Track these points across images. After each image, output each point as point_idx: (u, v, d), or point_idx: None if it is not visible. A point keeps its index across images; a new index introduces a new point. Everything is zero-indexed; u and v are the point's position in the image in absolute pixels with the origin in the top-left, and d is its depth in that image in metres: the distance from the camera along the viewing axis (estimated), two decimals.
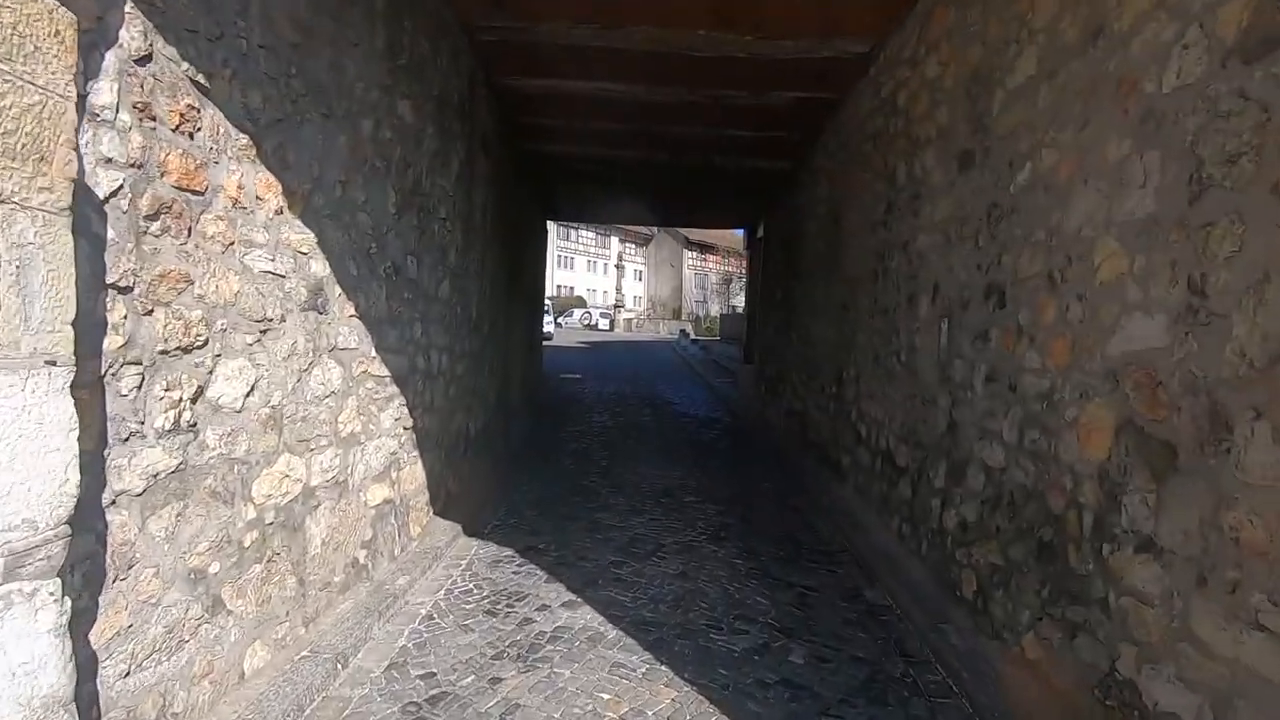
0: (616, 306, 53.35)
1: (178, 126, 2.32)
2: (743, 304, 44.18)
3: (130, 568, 2.12)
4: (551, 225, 52.24)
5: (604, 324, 46.31)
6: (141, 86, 2.17)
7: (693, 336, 29.21)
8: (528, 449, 7.79)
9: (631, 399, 12.64)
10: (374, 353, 3.82)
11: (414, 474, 4.46)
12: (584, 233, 58.99)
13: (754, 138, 7.81)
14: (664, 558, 4.36)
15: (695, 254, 63.24)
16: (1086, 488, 2.61)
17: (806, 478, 6.73)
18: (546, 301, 34.23)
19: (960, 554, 3.62)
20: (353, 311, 3.56)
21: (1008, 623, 3.08)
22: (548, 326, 30.16)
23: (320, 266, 3.23)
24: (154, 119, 2.21)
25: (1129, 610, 2.30)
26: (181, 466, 2.36)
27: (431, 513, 4.78)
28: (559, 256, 55.25)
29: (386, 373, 3.99)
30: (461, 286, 5.77)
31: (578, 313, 47.84)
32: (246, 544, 2.71)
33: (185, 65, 2.35)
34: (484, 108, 6.36)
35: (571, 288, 55.44)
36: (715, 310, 62.69)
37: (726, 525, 5.14)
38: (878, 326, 5.35)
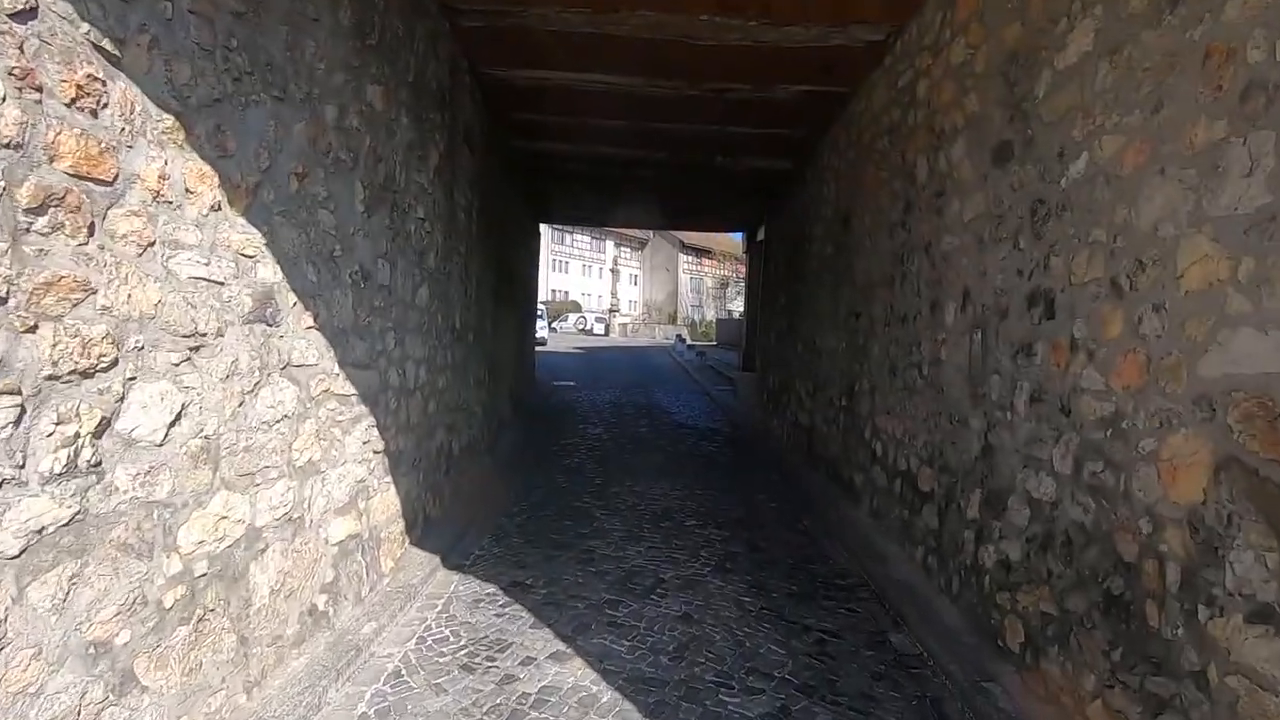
0: (612, 311, 52.91)
1: (74, 101, 1.89)
2: (740, 309, 43.85)
3: None
4: (545, 228, 51.77)
5: (599, 329, 45.91)
6: (21, 49, 1.74)
7: (689, 342, 28.80)
8: (517, 464, 7.35)
9: (627, 408, 12.22)
10: (337, 369, 3.38)
11: (386, 502, 4.02)
12: (579, 236, 58.62)
13: (757, 135, 7.42)
14: (664, 595, 3.93)
15: (691, 258, 62.89)
16: (1171, 534, 2.19)
17: (815, 495, 6.31)
18: (540, 306, 33.81)
19: (1002, 598, 3.20)
20: (311, 323, 3.12)
21: (1067, 686, 2.65)
22: (541, 332, 29.77)
23: (270, 271, 2.80)
24: (39, 89, 1.79)
25: (1240, 694, 1.88)
26: (79, 517, 1.92)
27: (407, 543, 4.34)
28: (553, 260, 54.83)
29: (352, 391, 3.55)
30: (442, 293, 5.35)
31: (572, 317, 47.42)
32: (169, 604, 2.26)
33: (85, 27, 1.92)
34: (467, 98, 5.94)
35: (566, 292, 55.03)
36: (711, 315, 62.39)
37: (732, 554, 4.71)
38: (895, 336, 4.94)
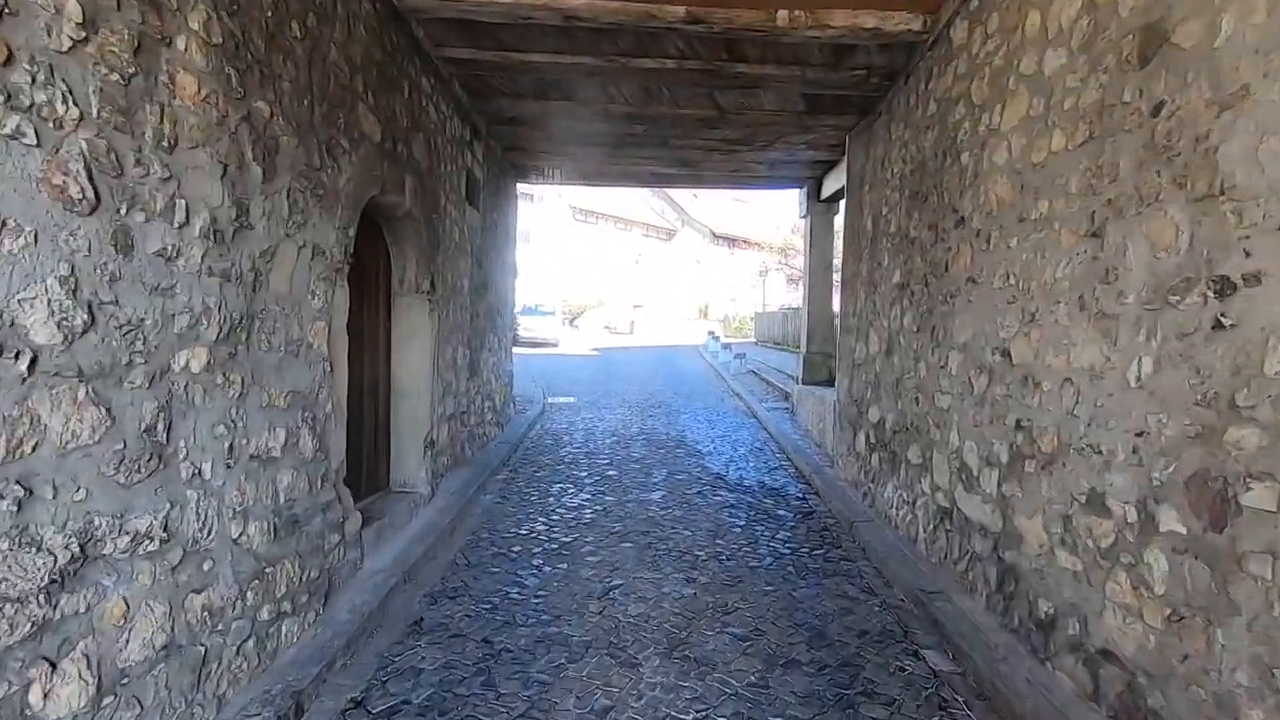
0: (636, 307, 49.06)
1: None
2: (783, 303, 39.73)
3: None
4: (567, 217, 47.83)
5: (623, 326, 42.10)
6: None
7: (723, 340, 24.77)
8: (418, 616, 3.51)
9: (638, 444, 8.30)
10: None
11: None
12: (602, 227, 54.87)
13: None
14: None
15: (723, 248, 58.70)
16: None
17: None
18: (550, 306, 29.95)
19: None
20: None
21: None
22: (549, 332, 25.96)
23: None
24: None
25: None
26: None
27: None
28: (573, 253, 51.15)
29: None
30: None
31: (594, 314, 43.69)
32: None
33: None
34: None
35: (588, 287, 51.25)
36: (745, 309, 58.12)
37: None
38: None
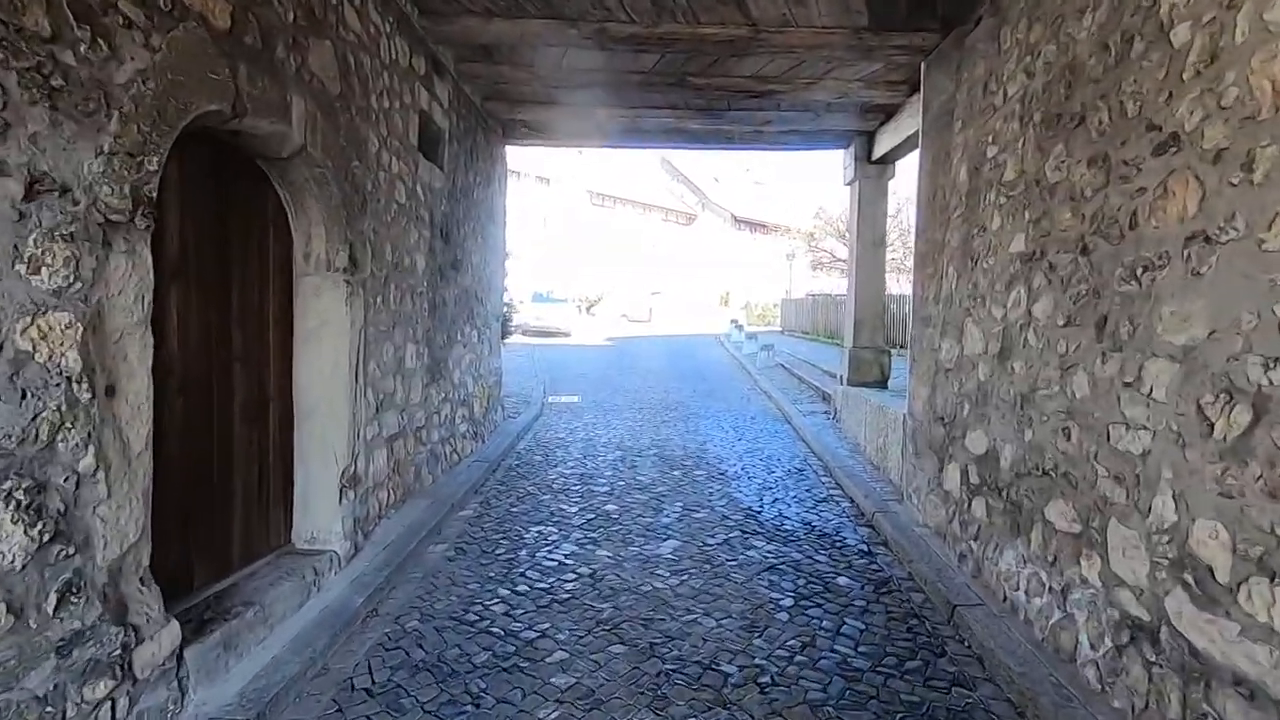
0: (655, 294, 47.37)
1: None
2: (814, 286, 37.79)
3: None
4: (584, 201, 46.62)
5: (641, 314, 40.49)
6: None
7: (746, 330, 23.04)
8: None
9: (648, 459, 6.72)
10: None
11: None
12: (620, 211, 53.17)
13: None
14: None
15: (745, 232, 56.68)
16: None
17: None
18: (562, 293, 28.27)
19: None
20: None
21: None
22: (562, 321, 24.38)
23: None
24: None
25: None
26: None
27: None
28: (590, 238, 49.51)
29: None
30: None
31: (611, 301, 42.11)
32: None
33: None
34: None
35: (606, 275, 49.57)
36: (767, 297, 56.24)
37: None
38: None
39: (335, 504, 3.86)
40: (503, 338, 10.22)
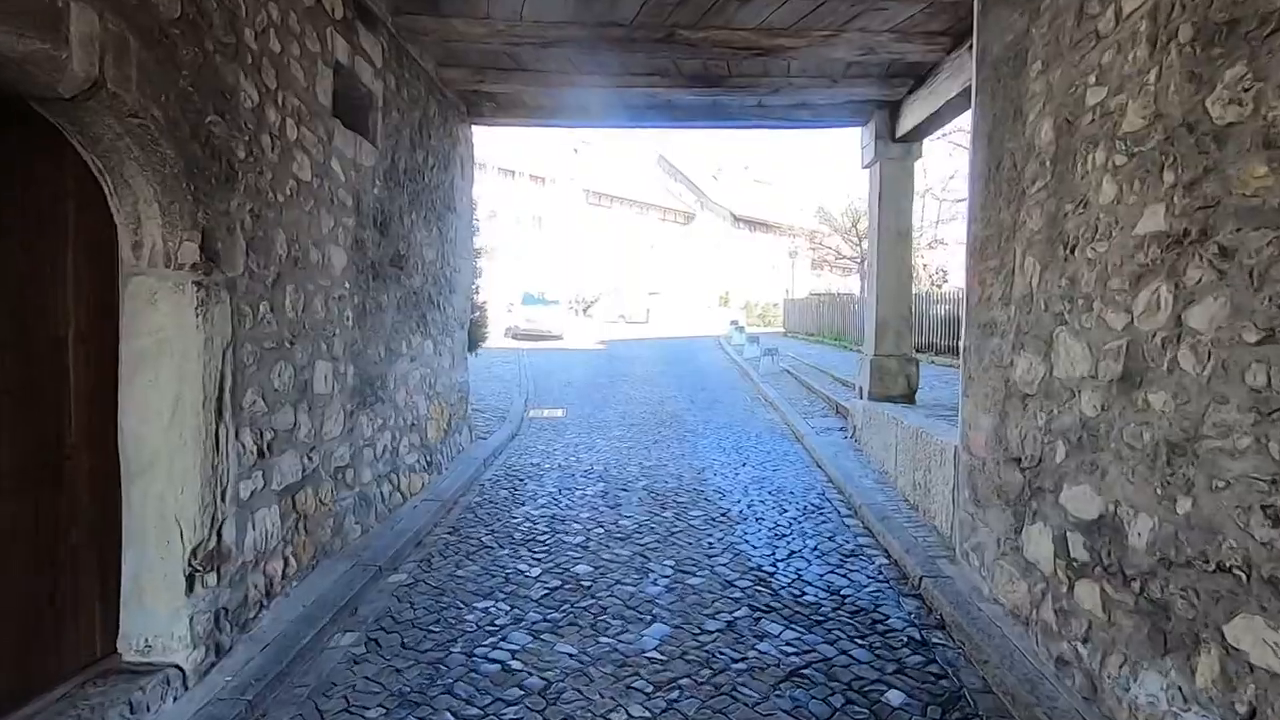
0: (652, 294, 46.27)
1: None
2: (817, 285, 36.75)
3: None
4: (580, 200, 45.80)
5: (638, 315, 39.40)
6: None
7: (748, 331, 21.92)
8: None
9: (635, 505, 5.61)
10: None
11: None
12: (616, 210, 52.14)
13: None
14: None
15: (744, 231, 55.60)
16: None
17: None
18: (554, 295, 27.04)
19: None
20: None
21: None
22: (553, 323, 23.23)
23: None
24: None
25: None
26: None
27: None
28: (585, 237, 48.46)
29: None
30: None
31: (609, 303, 40.99)
32: None
33: None
34: None
35: (603, 275, 48.44)
36: (767, 296, 55.18)
37: None
38: None
39: (181, 595, 2.74)
40: (473, 347, 9.11)
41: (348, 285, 4.26)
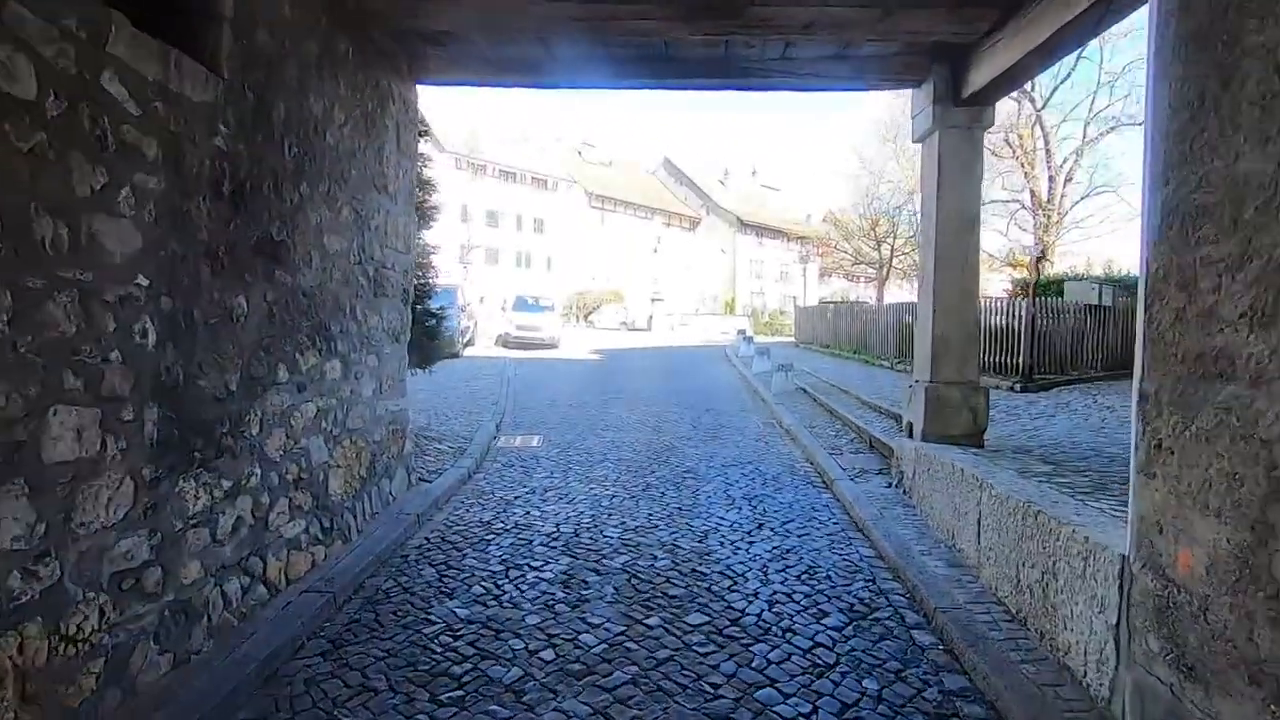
0: (655, 300, 44.67)
1: None
2: (825, 292, 35.23)
3: None
4: (582, 204, 44.67)
5: (640, 322, 37.79)
6: None
7: (756, 341, 20.31)
8: None
9: (613, 584, 4.02)
10: None
11: None
12: (618, 215, 50.70)
13: None
14: None
15: (751, 236, 54.05)
16: None
17: None
18: (548, 299, 25.33)
19: None
20: None
21: None
22: (548, 330, 21.63)
23: None
24: None
25: None
26: None
27: None
28: (587, 243, 47.02)
29: None
30: None
31: (611, 310, 39.39)
32: None
33: None
34: None
35: (606, 280, 46.87)
36: (774, 303, 53.64)
37: None
38: None
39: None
40: (427, 363, 7.52)
41: (145, 281, 2.69)
